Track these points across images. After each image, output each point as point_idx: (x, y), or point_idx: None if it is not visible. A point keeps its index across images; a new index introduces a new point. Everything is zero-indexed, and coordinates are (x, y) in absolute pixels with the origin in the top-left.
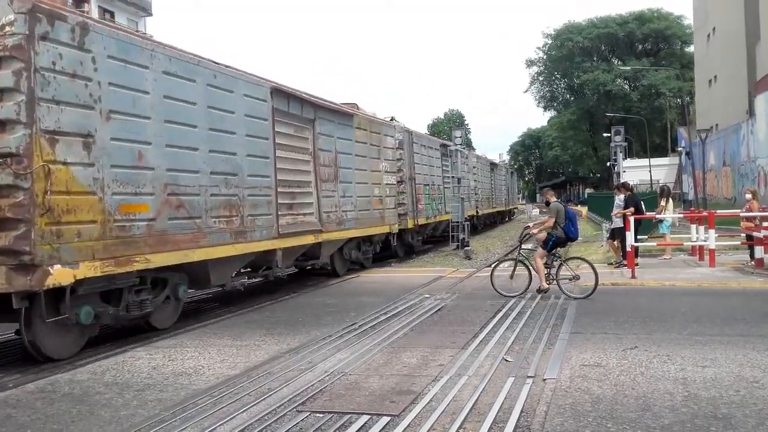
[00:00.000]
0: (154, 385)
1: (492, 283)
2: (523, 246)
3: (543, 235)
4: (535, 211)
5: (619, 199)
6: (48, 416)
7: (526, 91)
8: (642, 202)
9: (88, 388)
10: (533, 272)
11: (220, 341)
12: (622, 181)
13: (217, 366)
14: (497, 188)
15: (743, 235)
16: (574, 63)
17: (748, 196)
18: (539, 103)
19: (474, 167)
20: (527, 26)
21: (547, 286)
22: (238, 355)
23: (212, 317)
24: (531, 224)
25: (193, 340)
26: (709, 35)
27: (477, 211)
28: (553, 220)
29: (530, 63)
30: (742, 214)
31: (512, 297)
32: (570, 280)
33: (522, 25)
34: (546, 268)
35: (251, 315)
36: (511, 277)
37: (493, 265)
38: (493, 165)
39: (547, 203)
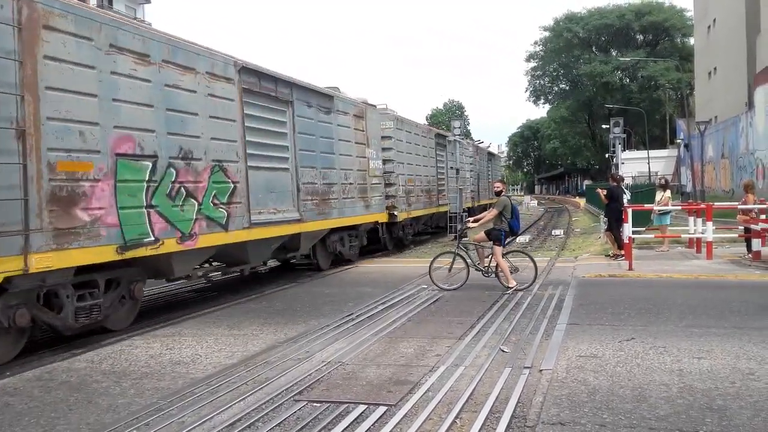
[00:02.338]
0: (152, 374)
1: (430, 276)
2: (463, 241)
3: (481, 235)
4: (534, 203)
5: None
6: (46, 404)
7: (527, 90)
8: (623, 195)
9: (86, 376)
10: (471, 267)
11: (217, 330)
12: (612, 172)
13: (214, 355)
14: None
15: (741, 227)
16: (572, 54)
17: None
18: (530, 97)
19: (399, 141)
20: (532, 21)
21: (515, 284)
22: (235, 345)
23: (210, 306)
24: (471, 219)
25: (191, 328)
26: (709, 27)
27: (405, 213)
28: (497, 211)
29: (530, 57)
30: (739, 207)
31: (450, 290)
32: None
33: (527, 20)
34: (485, 259)
35: (249, 304)
36: (450, 270)
37: (432, 258)
38: (449, 142)
39: (498, 194)
